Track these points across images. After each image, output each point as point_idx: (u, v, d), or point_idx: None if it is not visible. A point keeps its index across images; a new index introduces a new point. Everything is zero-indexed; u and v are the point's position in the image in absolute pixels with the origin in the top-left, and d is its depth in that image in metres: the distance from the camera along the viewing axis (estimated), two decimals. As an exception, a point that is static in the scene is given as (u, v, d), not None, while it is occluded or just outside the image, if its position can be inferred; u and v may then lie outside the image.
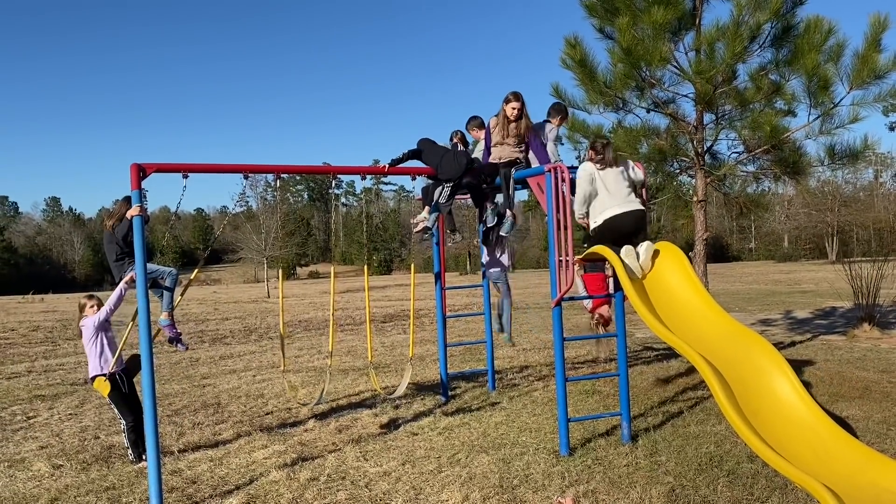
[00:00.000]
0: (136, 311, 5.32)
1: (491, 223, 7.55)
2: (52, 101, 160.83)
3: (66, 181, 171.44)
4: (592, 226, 6.14)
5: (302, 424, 7.37)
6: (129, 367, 6.36)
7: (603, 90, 9.81)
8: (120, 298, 6.00)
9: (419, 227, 7.31)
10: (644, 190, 6.43)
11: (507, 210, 7.22)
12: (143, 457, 5.88)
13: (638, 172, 6.33)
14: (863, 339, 11.88)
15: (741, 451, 5.70)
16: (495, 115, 7.17)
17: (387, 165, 6.96)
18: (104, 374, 6.07)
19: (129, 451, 6.17)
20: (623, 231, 5.98)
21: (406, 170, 7.23)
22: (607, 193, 6.06)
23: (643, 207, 6.17)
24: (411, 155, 7.09)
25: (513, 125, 7.02)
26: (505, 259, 8.31)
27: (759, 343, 5.02)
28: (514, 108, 6.95)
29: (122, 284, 5.97)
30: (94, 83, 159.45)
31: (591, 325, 8.34)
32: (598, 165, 6.12)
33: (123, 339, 6.26)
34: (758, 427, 4.37)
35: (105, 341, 6.15)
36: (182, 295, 6.50)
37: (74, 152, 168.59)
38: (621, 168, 6.19)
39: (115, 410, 6.25)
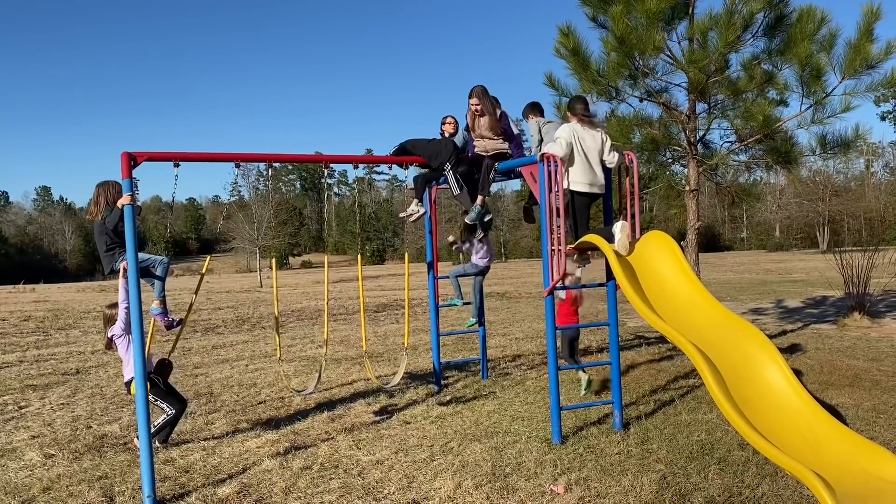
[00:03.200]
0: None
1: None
2: (42, 91, 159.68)
3: (57, 170, 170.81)
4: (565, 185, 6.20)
5: (295, 413, 7.38)
6: (160, 370, 6.33)
7: (596, 79, 9.79)
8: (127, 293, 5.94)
9: (413, 219, 7.45)
10: (631, 177, 6.42)
11: (479, 196, 7.29)
12: (156, 442, 6.07)
13: (614, 156, 6.36)
14: (853, 328, 11.96)
15: (732, 439, 5.74)
16: None
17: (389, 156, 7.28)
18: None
19: (158, 440, 6.19)
20: (582, 206, 6.20)
21: (399, 159, 7.24)
22: (584, 163, 6.15)
23: (602, 192, 6.29)
24: (400, 151, 7.27)
25: (479, 120, 7.14)
26: (476, 258, 8.55)
27: (751, 332, 5.04)
28: (471, 105, 7.11)
29: (122, 281, 5.90)
30: (84, 72, 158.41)
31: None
32: (578, 124, 6.25)
33: (150, 335, 6.17)
34: (749, 415, 4.39)
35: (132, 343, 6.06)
36: (195, 294, 6.40)
37: (65, 141, 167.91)
38: (599, 132, 6.31)
39: (162, 404, 6.16)
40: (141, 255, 5.61)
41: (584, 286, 7.32)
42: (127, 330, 5.85)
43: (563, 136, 6.13)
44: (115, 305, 6.10)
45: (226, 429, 6.87)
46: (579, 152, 6.14)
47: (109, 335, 6.05)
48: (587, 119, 6.29)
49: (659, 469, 5.15)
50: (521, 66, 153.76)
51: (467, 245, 8.49)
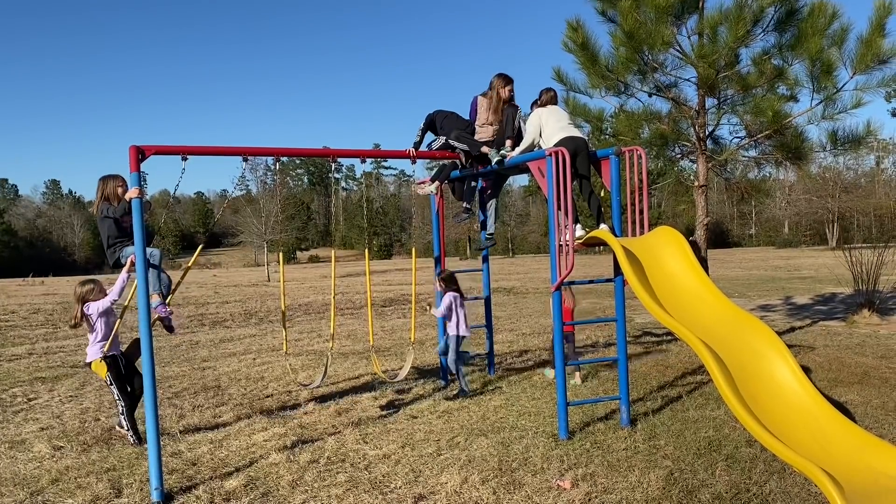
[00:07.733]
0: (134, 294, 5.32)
1: (466, 217, 7.71)
2: (51, 85, 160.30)
3: (66, 164, 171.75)
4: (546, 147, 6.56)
5: (302, 407, 7.40)
6: (130, 351, 6.36)
7: (605, 74, 9.76)
8: (123, 288, 5.98)
9: (423, 191, 7.84)
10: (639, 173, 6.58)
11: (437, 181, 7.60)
12: (144, 439, 5.93)
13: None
14: (862, 325, 11.90)
15: (740, 436, 5.72)
16: (483, 94, 7.20)
17: (411, 150, 7.17)
18: (100, 357, 6.07)
19: (130, 434, 6.17)
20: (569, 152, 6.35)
21: (405, 153, 7.22)
22: (555, 123, 6.65)
23: (584, 137, 6.72)
24: (426, 128, 7.24)
25: (501, 108, 7.16)
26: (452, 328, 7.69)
27: (759, 328, 5.01)
28: (508, 91, 7.12)
29: (123, 274, 5.92)
30: (93, 66, 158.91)
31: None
32: (542, 109, 6.81)
33: (118, 321, 6.23)
34: (757, 411, 4.37)
35: (103, 326, 6.13)
36: (179, 282, 6.40)
37: (74, 135, 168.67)
38: (558, 106, 6.92)
39: (114, 393, 6.22)
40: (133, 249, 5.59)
41: (571, 283, 7.15)
42: (103, 314, 6.08)
43: (532, 123, 6.76)
44: (88, 282, 6.23)
45: (233, 422, 6.90)
46: (550, 121, 6.67)
47: (87, 312, 6.09)
48: (547, 102, 6.90)
49: (666, 465, 5.14)
50: (530, 60, 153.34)
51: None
